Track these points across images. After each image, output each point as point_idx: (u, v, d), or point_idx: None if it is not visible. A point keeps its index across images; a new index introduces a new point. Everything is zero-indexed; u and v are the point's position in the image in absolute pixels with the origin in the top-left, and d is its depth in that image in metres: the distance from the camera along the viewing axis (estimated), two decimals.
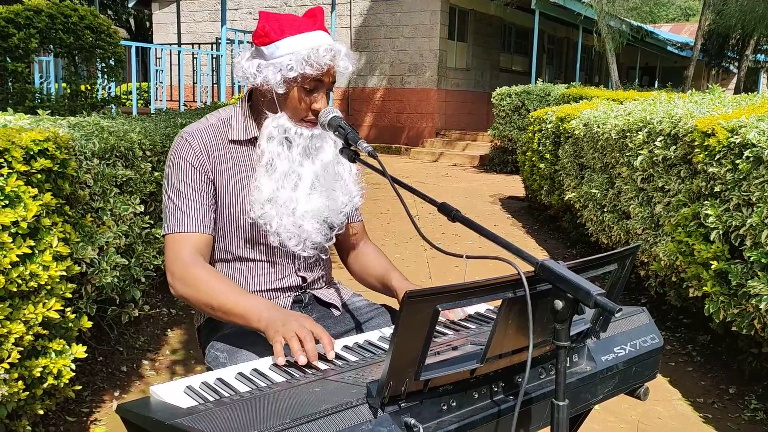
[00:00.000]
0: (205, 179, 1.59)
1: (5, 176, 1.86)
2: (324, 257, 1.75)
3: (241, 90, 9.84)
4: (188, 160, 1.59)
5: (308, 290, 1.73)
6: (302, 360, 1.26)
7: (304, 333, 1.31)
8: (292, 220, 1.59)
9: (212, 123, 1.64)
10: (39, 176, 2.03)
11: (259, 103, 1.63)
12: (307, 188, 1.61)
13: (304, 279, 1.71)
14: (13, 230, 1.86)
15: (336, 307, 1.75)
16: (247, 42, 10.13)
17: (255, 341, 1.49)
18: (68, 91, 5.79)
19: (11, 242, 1.84)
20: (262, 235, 1.63)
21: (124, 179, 2.84)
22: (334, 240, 1.71)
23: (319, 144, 1.62)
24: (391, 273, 1.73)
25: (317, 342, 1.32)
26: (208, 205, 1.60)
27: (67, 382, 2.13)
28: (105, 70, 5.81)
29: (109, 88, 7.03)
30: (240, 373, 1.25)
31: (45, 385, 2.06)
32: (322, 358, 1.30)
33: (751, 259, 2.55)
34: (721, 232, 2.78)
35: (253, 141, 1.64)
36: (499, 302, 1.06)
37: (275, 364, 1.28)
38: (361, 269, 1.82)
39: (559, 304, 1.05)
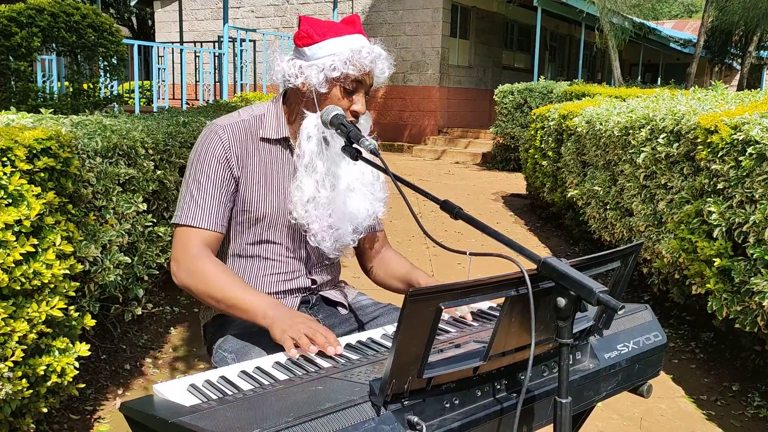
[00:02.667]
0: (229, 176, 1.59)
1: (8, 175, 1.86)
2: (336, 261, 1.78)
3: (243, 89, 9.84)
4: (215, 153, 1.58)
5: (316, 292, 1.74)
6: (314, 349, 1.29)
7: (312, 331, 1.33)
8: (330, 221, 1.60)
9: (244, 119, 1.64)
10: (42, 175, 2.03)
11: (296, 103, 1.63)
12: (345, 189, 1.62)
13: (314, 281, 1.72)
14: (16, 229, 1.86)
15: (343, 306, 1.75)
16: (249, 40, 10.13)
17: (263, 341, 1.49)
18: (71, 89, 5.79)
19: (14, 241, 1.85)
20: (285, 235, 1.64)
21: (127, 177, 2.84)
22: (356, 242, 1.72)
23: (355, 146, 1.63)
24: (415, 272, 1.75)
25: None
26: (226, 202, 1.60)
27: (71, 380, 2.14)
28: (107, 68, 5.82)
29: (112, 86, 7.03)
30: (243, 371, 1.25)
31: (49, 383, 2.06)
32: (325, 355, 1.31)
33: (754, 256, 2.55)
34: (724, 229, 2.78)
35: (282, 141, 1.65)
36: (501, 300, 1.06)
37: (278, 362, 1.28)
38: (386, 274, 1.82)
39: (561, 301, 1.05)
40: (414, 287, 1.71)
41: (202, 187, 1.57)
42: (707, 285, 2.82)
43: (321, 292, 1.75)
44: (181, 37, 12.46)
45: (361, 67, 1.55)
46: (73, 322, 2.20)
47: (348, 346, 1.39)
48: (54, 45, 5.42)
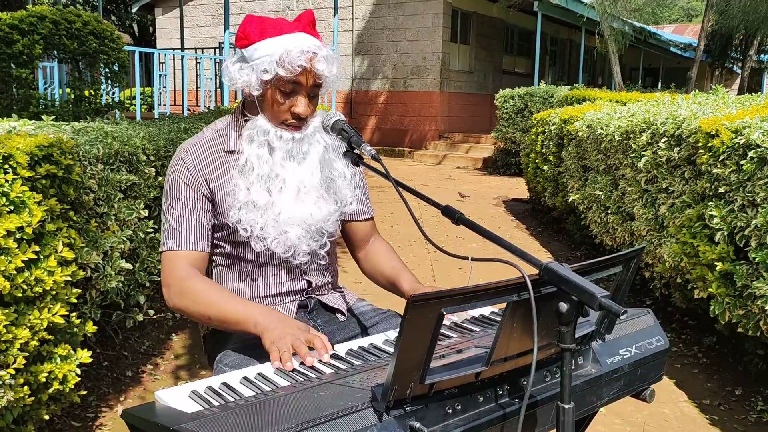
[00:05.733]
0: (200, 196, 1.60)
1: (10, 182, 1.86)
2: (324, 263, 1.73)
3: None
4: (182, 178, 1.60)
5: (313, 295, 1.73)
6: (289, 366, 1.28)
7: (299, 344, 1.32)
8: (276, 225, 1.57)
9: (208, 136, 1.65)
10: (44, 182, 2.03)
11: (249, 108, 1.63)
12: (293, 193, 1.59)
13: (309, 283, 1.71)
14: (18, 236, 1.86)
15: (341, 312, 1.75)
16: None
17: (262, 354, 1.49)
18: (72, 96, 5.81)
19: (16, 248, 1.85)
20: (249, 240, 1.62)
21: (129, 184, 2.85)
22: (328, 246, 1.70)
23: (306, 149, 1.61)
24: (401, 274, 1.70)
25: (311, 349, 1.34)
26: (203, 221, 1.60)
27: (73, 387, 2.14)
28: (109, 75, 5.83)
29: (113, 93, 7.05)
30: (245, 378, 1.25)
31: (50, 391, 2.06)
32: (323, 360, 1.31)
33: (756, 260, 2.55)
34: (725, 233, 2.77)
35: None
36: (503, 305, 1.05)
37: (279, 368, 1.28)
38: (372, 268, 1.79)
39: (563, 306, 1.05)
40: (397, 289, 1.70)
41: (176, 212, 1.59)
42: (709, 289, 2.82)
43: (319, 297, 1.74)
44: (182, 43, 12.48)
45: (291, 69, 1.51)
46: (75, 329, 2.20)
47: (350, 351, 1.39)
48: (55, 52, 5.44)
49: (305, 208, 1.60)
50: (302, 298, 1.70)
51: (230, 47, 9.47)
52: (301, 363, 1.30)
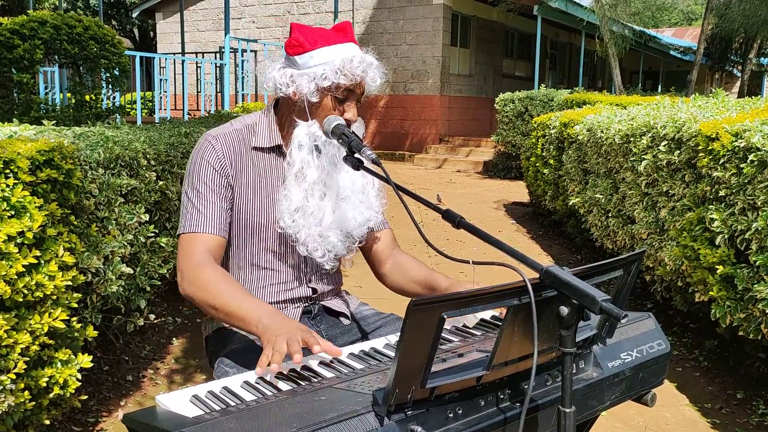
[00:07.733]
0: (225, 182, 1.61)
1: (11, 186, 1.87)
2: (330, 270, 1.75)
3: (245, 98, 9.88)
4: (210, 162, 1.60)
5: (318, 301, 1.73)
6: (274, 368, 1.24)
7: (292, 342, 1.29)
8: (319, 230, 1.60)
9: (237, 128, 1.66)
10: (44, 186, 2.03)
11: (288, 112, 1.64)
12: (335, 198, 1.62)
13: (314, 290, 1.71)
14: (19, 240, 1.86)
15: (345, 317, 1.75)
16: (251, 51, 10.18)
17: None
18: (73, 101, 5.82)
19: (17, 252, 1.85)
20: (279, 244, 1.64)
21: (129, 188, 2.85)
22: (355, 252, 1.72)
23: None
24: (435, 275, 1.72)
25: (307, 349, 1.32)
26: (225, 208, 1.61)
27: (73, 391, 2.14)
28: (109, 79, 5.85)
29: (114, 97, 7.06)
30: (246, 382, 1.24)
31: (51, 395, 2.06)
32: (326, 365, 1.31)
33: (757, 263, 2.55)
34: (726, 236, 2.77)
35: (276, 149, 1.65)
36: (504, 309, 1.05)
37: (281, 372, 1.28)
38: (403, 278, 1.78)
39: (564, 310, 1.05)
40: (436, 290, 1.70)
41: (201, 195, 1.59)
42: (710, 292, 2.82)
43: (323, 302, 1.74)
44: (183, 48, 12.51)
45: (352, 77, 1.55)
46: (76, 334, 2.20)
47: (351, 355, 1.39)
48: (56, 57, 5.45)
49: (346, 213, 1.63)
50: (306, 304, 1.71)
51: (229, 51, 9.49)
52: (303, 367, 1.29)
